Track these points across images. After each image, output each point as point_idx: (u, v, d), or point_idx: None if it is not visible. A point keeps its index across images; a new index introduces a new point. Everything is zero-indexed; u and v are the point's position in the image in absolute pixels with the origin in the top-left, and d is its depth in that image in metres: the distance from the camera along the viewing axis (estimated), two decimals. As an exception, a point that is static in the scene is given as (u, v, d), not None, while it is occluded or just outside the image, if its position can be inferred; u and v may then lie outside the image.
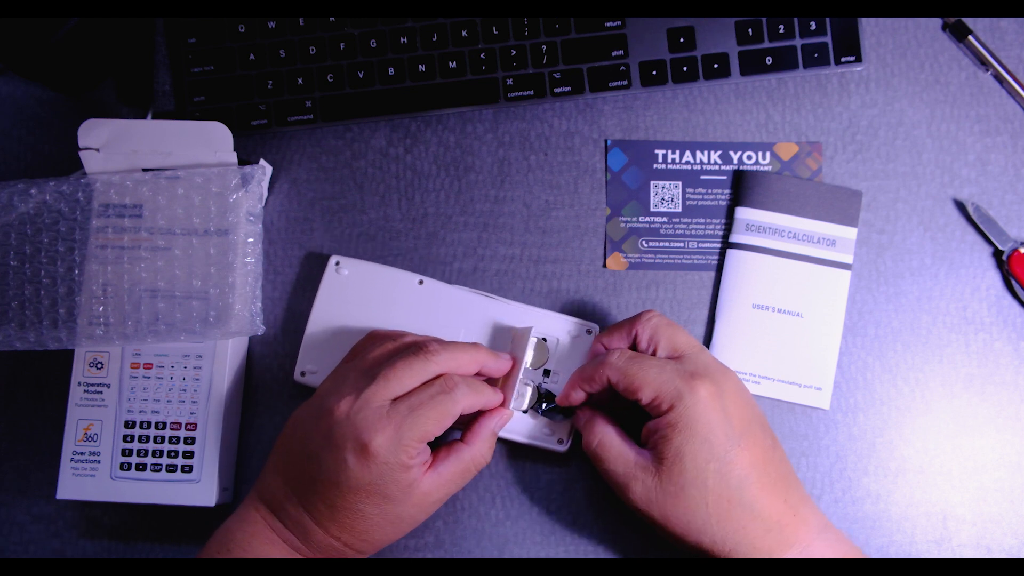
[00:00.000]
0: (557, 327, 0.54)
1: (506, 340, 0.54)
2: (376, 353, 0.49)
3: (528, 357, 0.53)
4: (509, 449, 0.54)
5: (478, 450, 0.49)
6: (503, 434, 0.52)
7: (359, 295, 0.55)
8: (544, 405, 0.52)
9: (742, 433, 0.46)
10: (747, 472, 0.45)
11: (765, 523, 0.45)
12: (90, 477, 0.52)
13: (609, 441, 0.48)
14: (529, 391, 0.53)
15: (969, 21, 0.57)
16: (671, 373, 0.46)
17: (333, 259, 0.55)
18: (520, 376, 0.51)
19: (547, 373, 0.53)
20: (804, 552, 0.45)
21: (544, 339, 0.54)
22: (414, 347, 0.48)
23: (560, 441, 0.52)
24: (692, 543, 0.46)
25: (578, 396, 0.50)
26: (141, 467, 0.53)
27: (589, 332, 0.54)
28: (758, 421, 0.47)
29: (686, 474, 0.45)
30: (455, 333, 0.54)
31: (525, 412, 0.53)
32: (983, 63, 0.57)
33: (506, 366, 0.51)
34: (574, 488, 0.54)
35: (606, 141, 0.58)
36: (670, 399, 0.46)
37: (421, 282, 0.55)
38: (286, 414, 0.55)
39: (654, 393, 0.46)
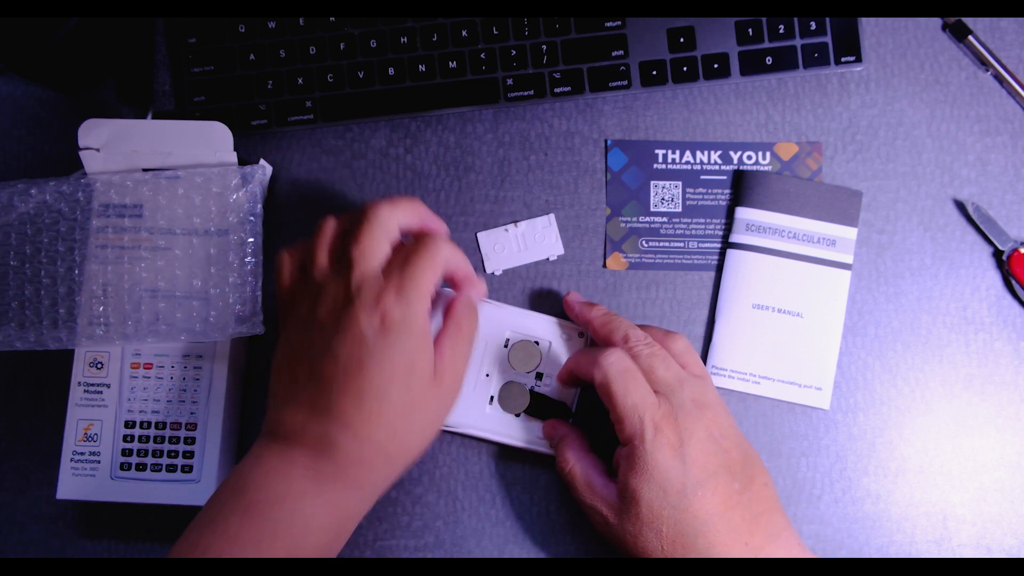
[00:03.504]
0: (549, 330, 0.54)
1: (500, 341, 0.54)
2: (323, 247, 0.47)
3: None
4: (508, 450, 0.54)
5: (461, 299, 0.49)
6: (500, 439, 0.52)
7: None
8: (536, 408, 0.52)
9: (701, 481, 0.45)
10: (704, 519, 0.45)
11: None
12: (90, 477, 0.52)
13: (580, 472, 0.49)
14: (502, 386, 0.53)
15: (969, 21, 0.57)
16: (646, 407, 0.46)
17: None
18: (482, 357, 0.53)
19: (539, 376, 0.53)
20: None
21: (536, 342, 0.53)
22: (360, 216, 0.46)
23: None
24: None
25: (569, 383, 0.52)
26: (141, 467, 0.53)
27: (581, 335, 0.54)
28: (725, 466, 0.46)
29: (642, 517, 0.46)
30: None
31: (518, 416, 0.53)
32: (983, 63, 0.57)
33: (440, 227, 0.50)
34: (574, 488, 0.54)
35: (606, 141, 0.58)
36: (631, 432, 0.46)
37: None
38: (286, 414, 0.56)
39: (622, 417, 0.46)
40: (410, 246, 0.46)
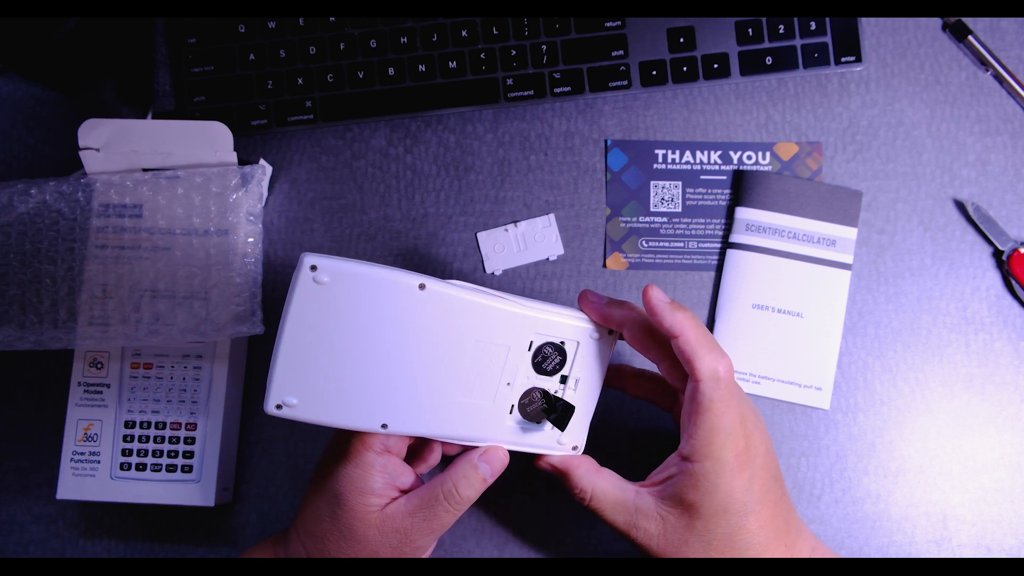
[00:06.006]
0: (577, 330, 0.47)
1: (523, 346, 0.47)
2: None
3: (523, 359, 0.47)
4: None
5: (449, 480, 0.45)
6: (524, 449, 0.48)
7: (344, 309, 0.42)
8: (553, 415, 0.46)
9: (761, 497, 0.44)
10: (755, 533, 0.44)
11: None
12: (90, 477, 0.52)
13: (602, 493, 0.46)
14: (523, 393, 0.47)
15: (969, 21, 0.57)
16: (733, 434, 0.43)
17: (306, 260, 0.41)
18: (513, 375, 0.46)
19: (564, 380, 0.48)
20: None
21: (562, 343, 0.47)
22: None
23: (575, 448, 0.48)
24: None
25: (621, 313, 0.46)
26: (141, 467, 0.53)
27: (611, 332, 0.47)
28: (775, 477, 0.45)
29: (694, 531, 0.44)
30: (462, 352, 0.45)
31: (540, 424, 0.47)
32: (983, 63, 0.57)
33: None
34: (574, 488, 0.54)
35: (606, 141, 0.58)
36: (706, 452, 0.43)
37: (422, 287, 0.43)
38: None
39: (711, 434, 0.43)
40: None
